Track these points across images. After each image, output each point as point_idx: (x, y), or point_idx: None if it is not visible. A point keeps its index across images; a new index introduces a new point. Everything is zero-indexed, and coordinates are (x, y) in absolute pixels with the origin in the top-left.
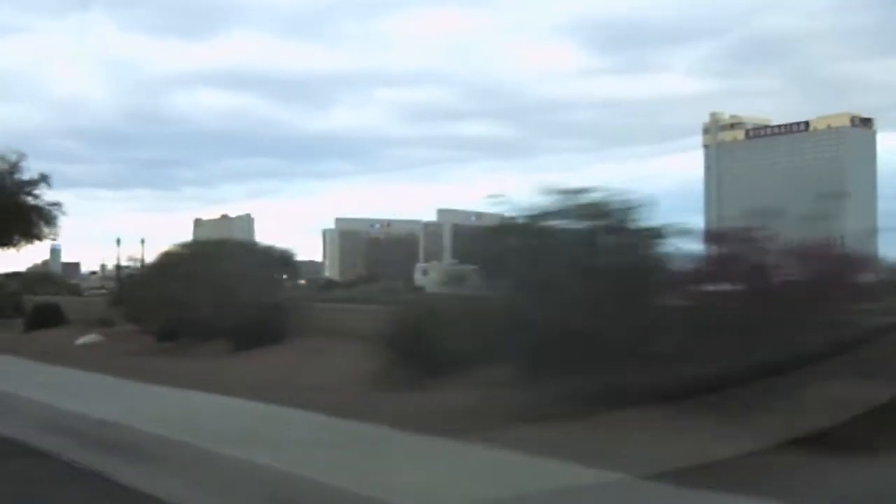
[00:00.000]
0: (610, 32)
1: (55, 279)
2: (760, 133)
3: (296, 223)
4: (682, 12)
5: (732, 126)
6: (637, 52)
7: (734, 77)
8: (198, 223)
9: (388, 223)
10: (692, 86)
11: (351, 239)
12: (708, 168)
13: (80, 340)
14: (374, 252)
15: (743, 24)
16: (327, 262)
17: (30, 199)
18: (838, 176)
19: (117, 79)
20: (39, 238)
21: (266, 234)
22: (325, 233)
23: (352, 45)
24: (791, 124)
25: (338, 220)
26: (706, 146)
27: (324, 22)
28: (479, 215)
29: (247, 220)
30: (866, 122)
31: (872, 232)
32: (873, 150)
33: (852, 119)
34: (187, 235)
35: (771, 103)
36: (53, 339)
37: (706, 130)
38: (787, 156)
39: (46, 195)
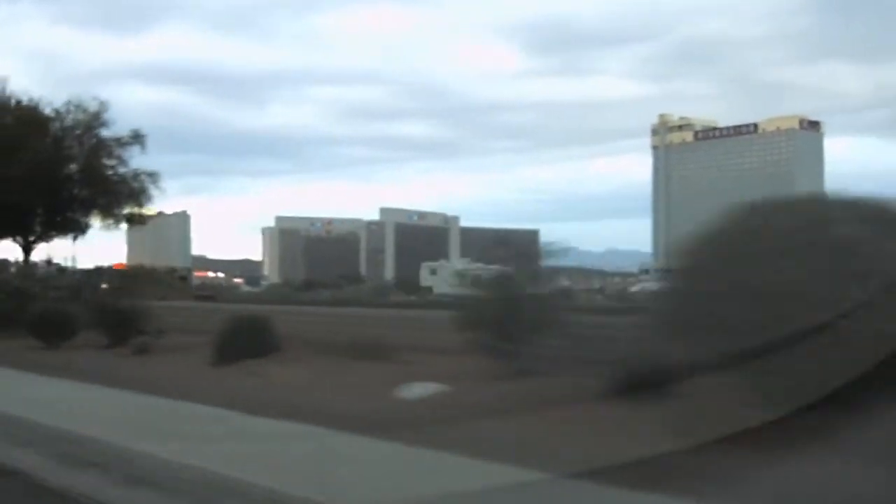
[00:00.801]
0: (548, 35)
1: (157, 275)
2: (709, 135)
3: (231, 222)
4: (619, 16)
5: (681, 127)
6: (574, 55)
7: (671, 80)
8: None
9: (329, 221)
10: (629, 89)
11: (291, 238)
12: (656, 170)
13: (412, 392)
14: (314, 251)
15: (679, 28)
16: (266, 261)
17: (116, 166)
18: (787, 178)
19: (45, 72)
20: (129, 220)
21: (201, 233)
22: (264, 231)
23: (288, 41)
24: (740, 126)
25: (278, 219)
26: (655, 147)
27: (260, 18)
28: (421, 214)
29: (183, 218)
30: (814, 125)
31: None
32: (821, 152)
33: (801, 121)
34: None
35: (707, 107)
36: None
37: (654, 132)
38: (736, 158)
39: (137, 162)
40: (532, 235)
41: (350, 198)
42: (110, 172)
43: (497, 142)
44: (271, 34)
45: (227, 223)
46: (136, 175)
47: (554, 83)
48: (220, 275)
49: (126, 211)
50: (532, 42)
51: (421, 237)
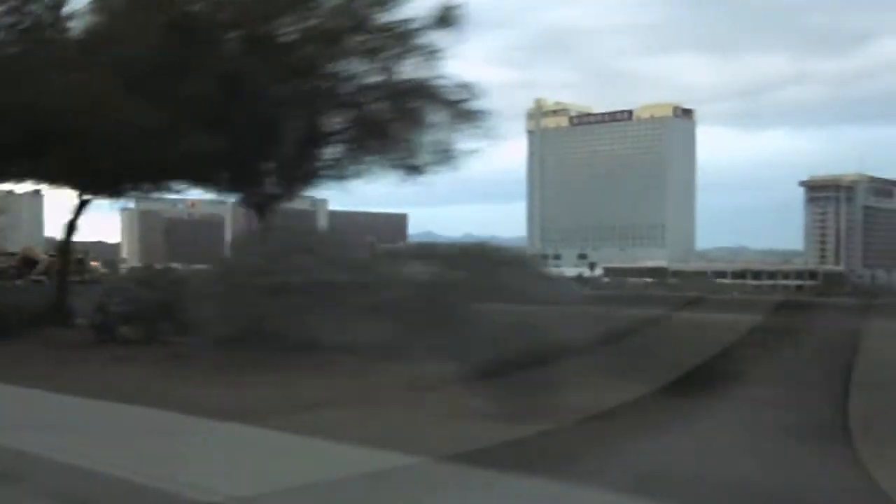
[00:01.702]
0: None
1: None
2: (584, 120)
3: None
4: (473, 2)
5: (556, 112)
6: None
7: (528, 68)
8: None
9: (192, 203)
10: (487, 75)
11: (152, 219)
12: (531, 154)
13: None
14: (176, 233)
15: (533, 17)
16: (125, 244)
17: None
18: (660, 164)
19: None
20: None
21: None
22: (123, 212)
23: None
24: (615, 112)
25: (139, 200)
26: (530, 132)
27: None
28: None
29: (36, 198)
30: (687, 113)
31: None
32: (693, 140)
33: (675, 109)
34: None
35: (565, 94)
36: None
37: (530, 116)
38: (610, 144)
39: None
40: (401, 219)
41: None
42: None
43: None
44: None
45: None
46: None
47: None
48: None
49: None
50: None
51: (288, 220)
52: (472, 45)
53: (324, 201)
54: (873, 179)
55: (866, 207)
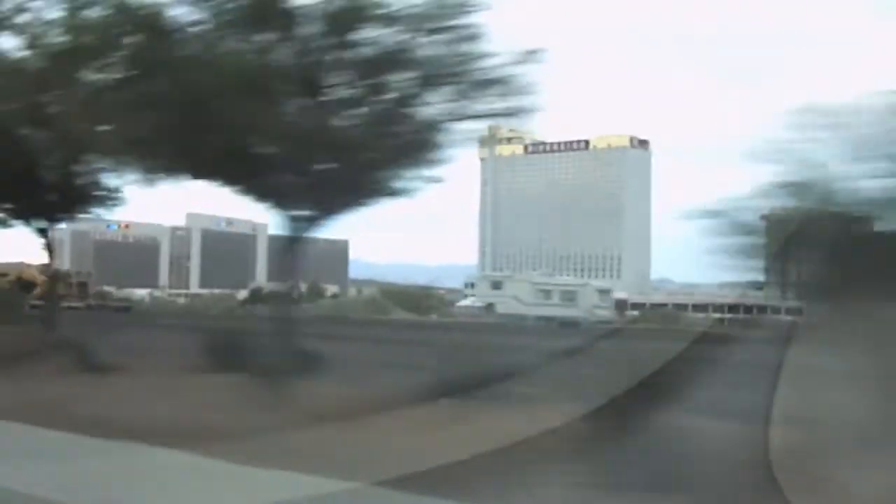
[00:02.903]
0: None
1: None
2: (539, 149)
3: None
4: None
5: (510, 140)
6: None
7: None
8: None
9: (126, 224)
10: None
11: (83, 240)
12: (484, 182)
13: None
14: (107, 255)
15: None
16: (55, 266)
17: None
18: (617, 194)
19: None
20: None
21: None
22: (53, 232)
23: None
24: (571, 142)
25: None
26: (482, 159)
27: None
28: (229, 221)
29: None
30: (643, 143)
31: None
32: (649, 170)
33: (631, 139)
34: None
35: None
36: None
37: (483, 143)
38: (565, 173)
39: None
40: (343, 245)
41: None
42: None
43: None
44: None
45: None
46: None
47: None
48: None
49: None
50: None
51: (228, 244)
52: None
53: (264, 226)
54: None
55: None
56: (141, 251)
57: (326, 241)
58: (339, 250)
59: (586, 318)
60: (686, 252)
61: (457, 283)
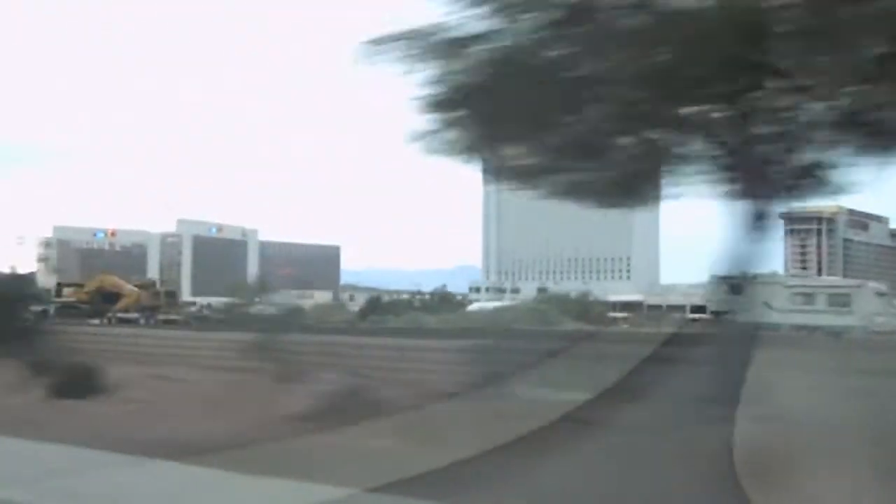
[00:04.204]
0: None
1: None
2: None
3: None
4: None
5: None
6: None
7: None
8: None
9: (112, 232)
10: None
11: (68, 249)
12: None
13: None
14: (93, 263)
15: None
16: (40, 276)
17: None
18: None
19: None
20: None
21: None
22: (39, 241)
23: None
24: None
25: (56, 228)
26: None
27: None
28: (219, 227)
29: None
30: None
31: None
32: None
33: None
34: None
35: None
36: None
37: None
38: None
39: None
40: (333, 251)
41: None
42: None
43: None
44: None
45: None
46: None
47: None
48: None
49: None
50: None
51: (218, 250)
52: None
53: (254, 231)
54: (851, 212)
55: (845, 240)
56: (127, 258)
57: (318, 246)
58: (330, 256)
59: (865, 327)
60: (696, 252)
61: (462, 288)
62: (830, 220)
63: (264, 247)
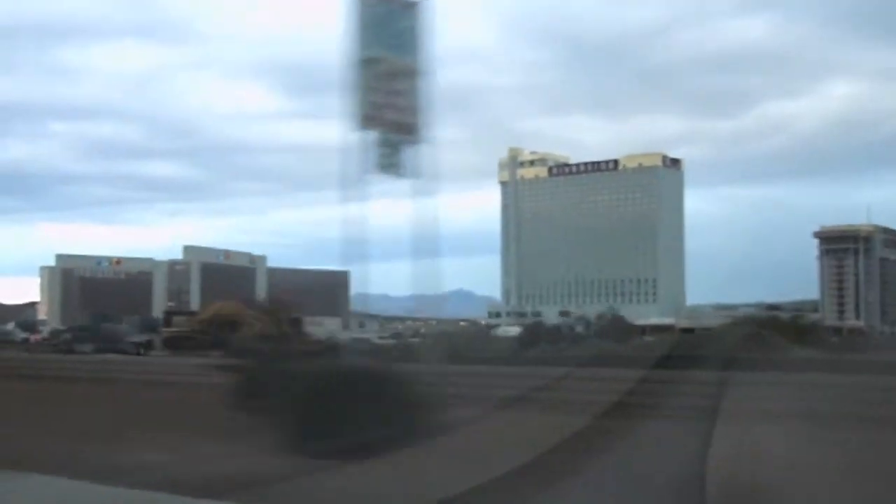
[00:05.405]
0: (297, 77)
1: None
2: (564, 171)
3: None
4: None
5: (532, 163)
6: (324, 99)
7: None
8: None
9: (118, 261)
10: None
11: (71, 278)
12: (505, 206)
13: None
14: (98, 292)
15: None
16: (45, 304)
17: None
18: (649, 216)
19: None
20: None
21: None
22: (42, 271)
23: (26, 73)
24: (599, 162)
25: (59, 257)
26: (503, 183)
27: None
28: (226, 254)
29: None
30: (676, 163)
31: None
32: (681, 190)
33: (663, 158)
34: None
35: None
36: None
37: (502, 166)
38: (594, 195)
39: None
40: (341, 277)
41: (91, 238)
42: None
43: (245, 183)
44: (7, 64)
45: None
46: None
47: (304, 125)
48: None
49: None
50: (282, 83)
51: (227, 277)
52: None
53: (262, 258)
54: (886, 231)
55: (882, 259)
56: (132, 287)
57: (326, 272)
58: (338, 282)
59: None
60: (722, 274)
61: (458, 313)
62: (867, 240)
63: (272, 273)
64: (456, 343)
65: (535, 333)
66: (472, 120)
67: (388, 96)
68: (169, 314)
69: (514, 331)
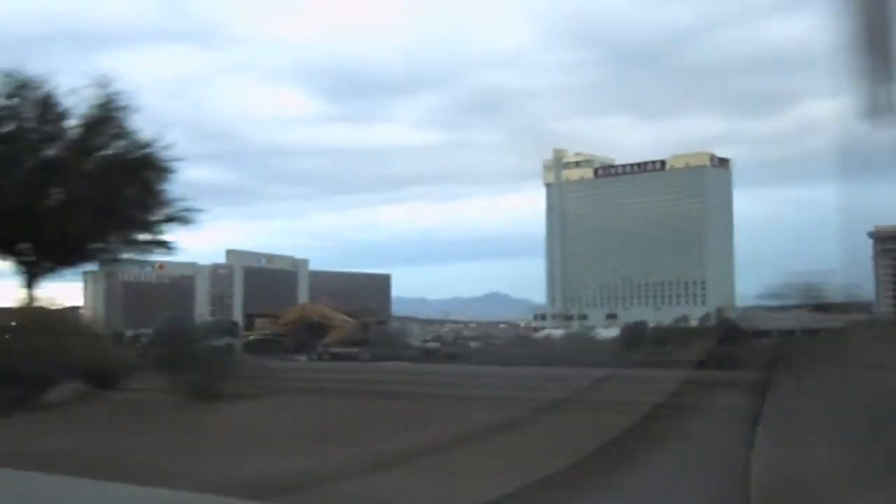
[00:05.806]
0: (335, 81)
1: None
2: (610, 172)
3: None
4: (405, 64)
5: (578, 164)
6: (363, 102)
7: (458, 129)
8: None
9: (161, 265)
10: (417, 136)
11: (117, 283)
12: (550, 208)
13: None
14: (141, 295)
15: (464, 79)
16: (88, 309)
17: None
18: (697, 217)
19: None
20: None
21: None
22: (85, 275)
23: (65, 79)
24: (646, 163)
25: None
26: (548, 185)
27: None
28: (269, 258)
29: None
30: (724, 162)
31: None
32: (730, 190)
33: (711, 158)
34: None
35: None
36: None
37: (547, 168)
38: (641, 196)
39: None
40: (384, 280)
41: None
42: None
43: (283, 187)
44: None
45: None
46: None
47: (343, 130)
48: None
49: None
50: (321, 87)
51: (269, 281)
52: (401, 109)
53: (304, 262)
54: None
55: None
56: (175, 291)
57: (367, 275)
58: (380, 285)
59: None
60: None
61: (493, 315)
62: None
63: (314, 276)
64: (550, 347)
65: (638, 335)
66: (509, 122)
67: None
68: (251, 316)
69: (612, 332)
